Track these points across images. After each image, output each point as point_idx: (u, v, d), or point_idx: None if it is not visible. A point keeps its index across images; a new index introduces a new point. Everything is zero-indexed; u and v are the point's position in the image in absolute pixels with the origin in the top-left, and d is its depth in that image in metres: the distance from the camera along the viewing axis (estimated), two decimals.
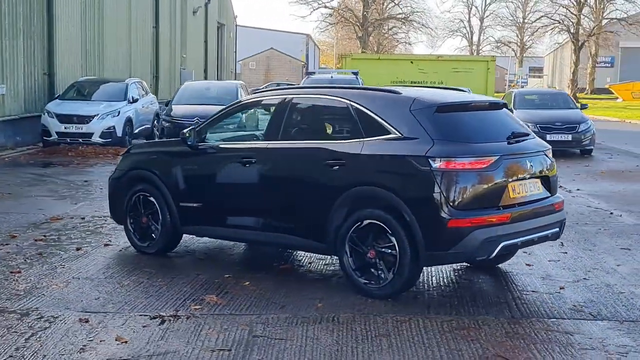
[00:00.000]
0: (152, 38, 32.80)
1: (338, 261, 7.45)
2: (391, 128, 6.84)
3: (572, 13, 64.22)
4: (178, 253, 8.58)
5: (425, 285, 7.35)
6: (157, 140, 10.11)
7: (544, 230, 7.00)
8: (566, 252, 8.59)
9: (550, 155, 7.35)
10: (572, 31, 64.20)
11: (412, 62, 25.97)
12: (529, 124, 18.26)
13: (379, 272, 6.83)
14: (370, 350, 5.62)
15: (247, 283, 7.35)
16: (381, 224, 6.76)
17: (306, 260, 8.38)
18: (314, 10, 68.15)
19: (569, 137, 19.47)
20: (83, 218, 10.58)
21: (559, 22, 66.07)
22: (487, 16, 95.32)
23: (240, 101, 8.40)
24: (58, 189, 13.40)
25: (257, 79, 77.16)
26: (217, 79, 45.40)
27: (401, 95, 7.13)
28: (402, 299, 6.85)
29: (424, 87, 9.10)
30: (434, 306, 6.74)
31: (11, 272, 7.66)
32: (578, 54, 63.68)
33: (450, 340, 5.84)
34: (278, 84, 40.55)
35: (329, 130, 7.62)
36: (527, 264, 8.06)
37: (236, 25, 60.58)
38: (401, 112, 6.90)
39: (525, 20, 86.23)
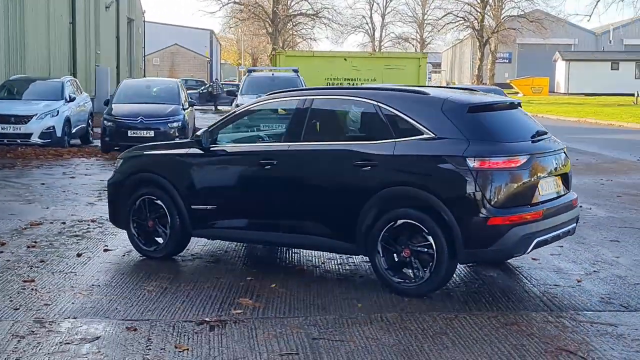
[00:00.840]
0: (69, 34, 31.95)
1: (352, 260, 7.48)
2: (423, 128, 6.94)
3: (477, 10, 65.88)
4: (184, 257, 8.47)
5: (451, 282, 7.44)
6: (158, 142, 9.87)
7: (566, 226, 7.25)
8: (562, 246, 8.87)
9: (566, 152, 7.60)
10: (476, 28, 65.85)
11: (345, 60, 26.16)
12: None
13: (415, 270, 6.91)
14: (437, 348, 5.71)
15: (274, 285, 7.34)
16: (417, 224, 6.83)
17: (316, 260, 8.40)
18: (223, 5, 67.70)
19: None
20: (64, 222, 10.31)
21: (464, 19, 67.68)
22: (388, 12, 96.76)
23: (255, 103, 8.32)
24: (20, 193, 12.98)
25: (161, 76, 76.00)
26: (129, 76, 44.53)
27: (431, 95, 7.24)
28: (436, 296, 6.96)
29: (440, 87, 9.18)
30: (471, 303, 6.88)
31: (24, 282, 7.42)
32: (483, 50, 65.45)
33: (509, 336, 5.98)
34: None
35: (356, 132, 7.66)
36: (533, 259, 8.29)
37: (144, 21, 59.59)
38: (433, 112, 7.01)
39: (428, 17, 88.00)
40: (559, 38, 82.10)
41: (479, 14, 65.35)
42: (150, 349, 5.70)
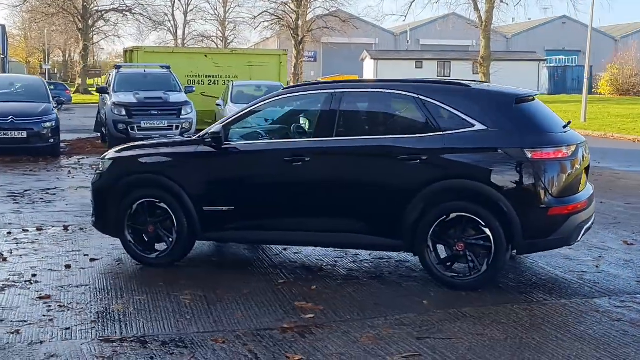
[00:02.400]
0: None
1: (364, 257, 7.37)
2: (473, 121, 6.90)
3: (291, 9, 66.59)
4: (185, 263, 7.90)
5: None
6: (154, 140, 9.12)
7: (593, 217, 7.47)
8: None
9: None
10: (292, 27, 66.58)
11: (206, 56, 25.53)
12: None
13: (470, 264, 6.86)
14: (550, 339, 5.69)
15: (314, 287, 7.05)
16: (472, 216, 6.79)
17: (328, 260, 8.15)
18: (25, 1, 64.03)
19: None
20: (26, 230, 9.40)
21: (279, 18, 68.22)
22: (190, 10, 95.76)
23: (270, 99, 7.88)
24: None
25: None
26: None
27: (477, 88, 7.25)
28: (487, 289, 6.91)
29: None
30: (527, 292, 6.91)
31: (40, 298, 6.69)
32: (299, 48, 66.25)
33: (600, 322, 6.07)
34: None
35: (395, 125, 7.44)
36: None
37: None
38: (482, 105, 7.00)
39: (230, 15, 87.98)
40: (361, 38, 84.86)
41: (293, 12, 66.06)
42: None
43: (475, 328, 5.96)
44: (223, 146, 7.52)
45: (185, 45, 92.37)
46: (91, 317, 6.19)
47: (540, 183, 6.66)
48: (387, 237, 7.06)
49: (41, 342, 5.57)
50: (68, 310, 6.35)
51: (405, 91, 7.23)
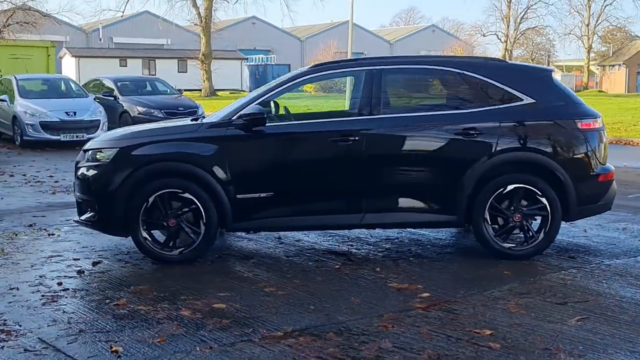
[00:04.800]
0: None
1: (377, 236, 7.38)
2: (520, 94, 7.16)
3: None
4: (207, 261, 7.28)
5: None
6: (161, 125, 8.01)
7: None
8: None
9: None
10: None
11: None
12: (153, 110, 18.42)
13: (527, 234, 7.12)
14: None
15: (378, 269, 6.90)
16: (529, 187, 7.05)
17: (344, 245, 7.94)
18: None
19: None
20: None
21: None
22: None
23: (300, 75, 7.45)
24: None
25: None
26: None
27: (514, 63, 7.47)
28: (519, 264, 7.05)
29: None
30: (564, 264, 7.24)
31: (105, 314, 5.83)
32: None
33: None
34: None
35: (443, 100, 7.42)
36: None
37: None
38: (525, 78, 7.26)
39: None
40: (52, 35, 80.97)
41: None
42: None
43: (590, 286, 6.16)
44: (257, 128, 6.98)
45: None
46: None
47: (590, 152, 7.07)
48: (442, 213, 7.05)
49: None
50: None
51: (448, 67, 7.25)
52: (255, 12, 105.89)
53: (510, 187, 6.99)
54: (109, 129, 18.45)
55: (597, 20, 77.82)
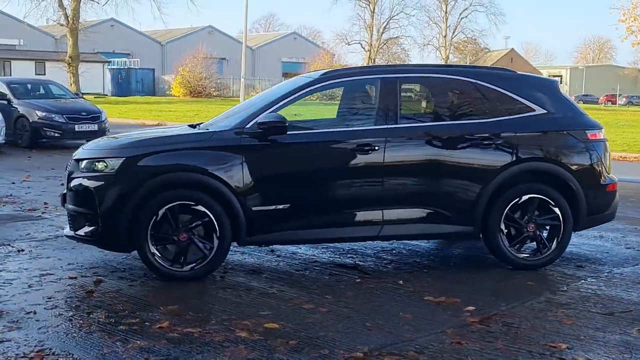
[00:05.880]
0: None
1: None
2: (532, 105, 7.20)
3: None
4: (216, 277, 6.90)
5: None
6: (169, 133, 7.36)
7: None
8: None
9: None
10: None
11: None
12: (54, 115, 17.57)
13: (540, 244, 7.17)
14: None
15: (400, 281, 6.78)
16: (543, 197, 7.10)
17: (366, 258, 7.72)
18: None
19: (95, 127, 19.04)
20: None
21: None
22: None
23: (313, 82, 7.15)
24: None
25: None
26: None
27: (522, 74, 7.52)
28: (535, 274, 7.10)
29: None
30: (578, 274, 7.38)
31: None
32: None
33: None
34: None
35: (459, 110, 7.27)
36: None
37: None
38: (535, 89, 7.32)
39: None
40: None
41: None
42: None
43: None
44: (273, 137, 6.69)
45: None
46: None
47: (599, 162, 7.20)
48: (459, 224, 6.98)
49: None
50: None
51: (464, 77, 7.20)
52: (126, 14, 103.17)
53: (525, 197, 6.96)
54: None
55: (454, 32, 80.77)
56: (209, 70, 61.91)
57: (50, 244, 7.88)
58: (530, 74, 7.81)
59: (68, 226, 6.97)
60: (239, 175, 6.55)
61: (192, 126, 7.60)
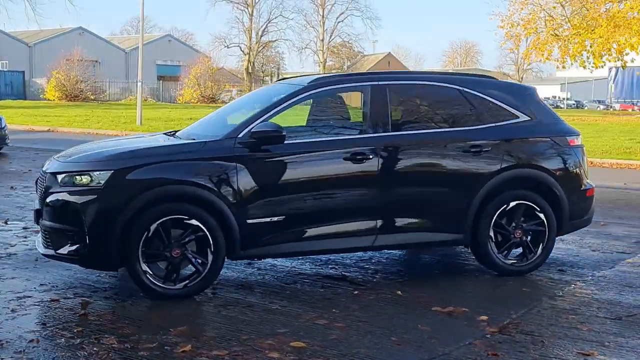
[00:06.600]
0: None
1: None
2: (515, 111, 7.27)
3: None
4: (206, 294, 6.59)
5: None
6: (154, 143, 6.78)
7: None
8: None
9: None
10: None
11: None
12: None
13: (526, 249, 7.24)
14: None
15: (399, 293, 6.72)
16: (529, 203, 7.17)
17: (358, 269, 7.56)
18: None
19: None
20: None
21: None
22: None
23: (304, 90, 6.92)
24: None
25: None
26: None
27: (501, 80, 7.57)
28: (523, 280, 7.17)
29: None
30: (565, 278, 7.54)
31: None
32: None
33: None
34: None
35: (446, 117, 7.18)
36: None
37: None
38: (515, 96, 7.38)
39: None
40: None
41: None
42: None
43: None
44: (265, 147, 6.47)
45: None
46: None
47: (579, 168, 7.34)
48: (450, 232, 6.96)
49: None
50: None
51: (448, 83, 7.17)
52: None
53: (512, 204, 7.00)
54: None
55: (331, 36, 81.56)
56: (85, 74, 59.89)
57: (6, 263, 7.34)
58: (511, 81, 7.86)
59: (42, 244, 6.48)
60: (232, 187, 6.28)
61: (169, 134, 7.25)
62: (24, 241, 8.34)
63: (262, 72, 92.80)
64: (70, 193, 6.15)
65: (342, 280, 6.95)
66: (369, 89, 6.86)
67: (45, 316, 5.76)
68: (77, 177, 6.18)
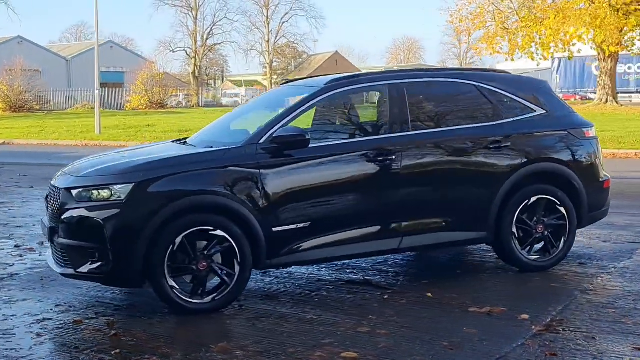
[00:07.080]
0: None
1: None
2: (532, 105, 7.20)
3: None
4: (234, 307, 6.35)
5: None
6: (168, 153, 6.41)
7: None
8: None
9: None
10: None
11: None
12: None
13: (549, 244, 7.16)
14: None
15: (430, 294, 6.58)
16: (550, 197, 7.09)
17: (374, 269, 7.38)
18: None
19: None
20: None
21: None
22: None
23: (321, 92, 6.71)
24: None
25: None
26: None
27: (516, 75, 7.48)
28: (548, 275, 7.07)
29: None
30: (589, 271, 7.45)
31: None
32: None
33: None
34: None
35: (464, 113, 7.02)
36: None
37: None
38: (530, 90, 7.31)
39: None
40: None
41: None
42: None
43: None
44: (287, 152, 6.28)
45: None
46: None
47: (596, 159, 7.29)
48: (474, 230, 6.85)
49: None
50: None
51: (464, 79, 7.06)
52: None
53: (534, 199, 6.91)
54: None
55: (276, 37, 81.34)
56: (29, 84, 58.57)
57: (12, 284, 7.01)
58: (523, 75, 7.77)
59: (58, 263, 6.17)
60: (256, 195, 6.06)
61: (180, 142, 7.01)
62: (21, 260, 8.00)
63: (207, 75, 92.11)
64: (89, 209, 5.86)
65: (367, 285, 6.78)
66: (387, 88, 6.69)
67: (75, 339, 5.48)
68: (94, 191, 5.89)
